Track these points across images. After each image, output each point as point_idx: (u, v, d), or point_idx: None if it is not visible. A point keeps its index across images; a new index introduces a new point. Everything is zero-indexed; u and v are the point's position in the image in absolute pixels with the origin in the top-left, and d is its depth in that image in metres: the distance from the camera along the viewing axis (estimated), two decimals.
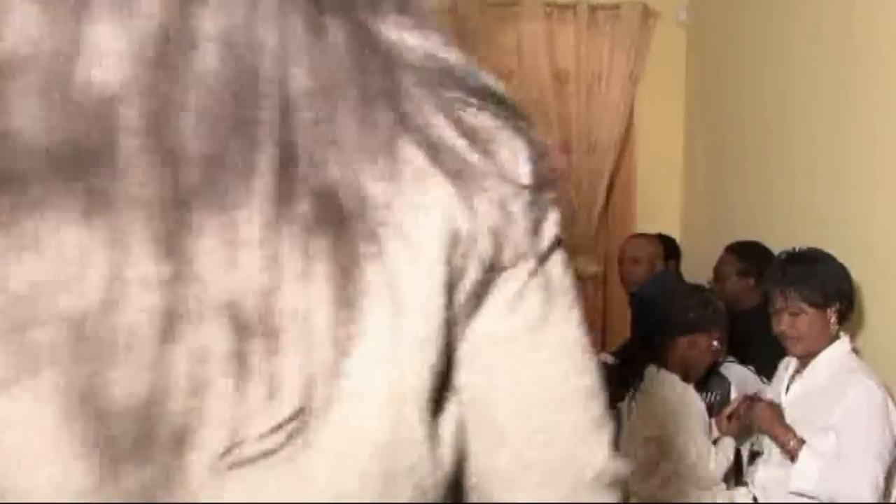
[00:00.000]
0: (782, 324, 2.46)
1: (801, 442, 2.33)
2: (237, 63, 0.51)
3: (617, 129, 4.92)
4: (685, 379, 2.53)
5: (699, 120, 4.87)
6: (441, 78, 0.57)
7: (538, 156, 0.59)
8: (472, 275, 0.56)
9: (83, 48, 0.50)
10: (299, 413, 0.51)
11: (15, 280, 0.49)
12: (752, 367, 2.88)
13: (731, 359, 2.80)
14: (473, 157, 0.56)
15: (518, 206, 0.57)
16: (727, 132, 4.36)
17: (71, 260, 0.49)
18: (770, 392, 2.63)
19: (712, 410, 2.59)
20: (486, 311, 0.58)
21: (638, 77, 4.96)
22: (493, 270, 0.57)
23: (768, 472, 2.48)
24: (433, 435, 0.56)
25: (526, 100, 5.12)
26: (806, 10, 3.47)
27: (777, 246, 3.34)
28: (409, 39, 0.57)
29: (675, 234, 4.73)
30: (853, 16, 3.04)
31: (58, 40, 0.50)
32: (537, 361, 0.60)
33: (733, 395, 2.68)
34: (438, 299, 0.54)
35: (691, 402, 2.44)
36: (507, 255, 0.57)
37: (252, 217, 0.50)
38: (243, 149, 0.50)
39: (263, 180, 0.50)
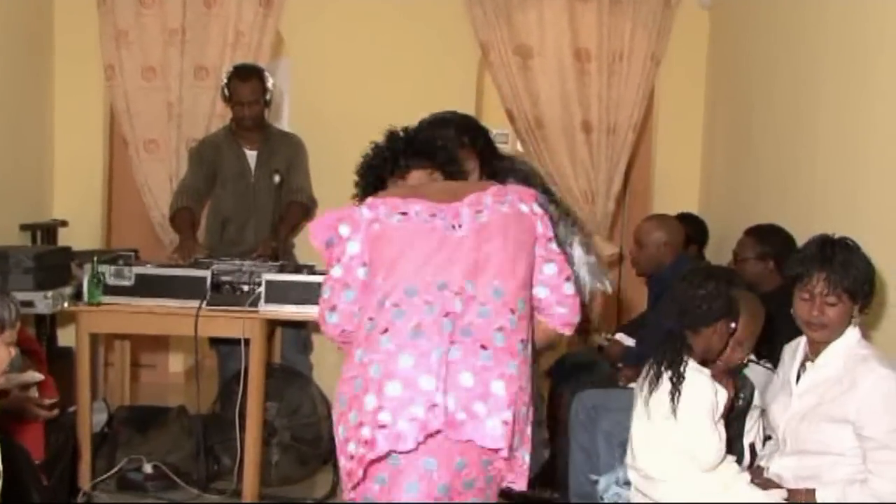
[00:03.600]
0: (815, 309, 2.41)
1: (811, 492, 2.40)
2: None
3: (637, 109, 4.91)
4: (706, 358, 2.56)
5: (720, 102, 4.85)
6: None
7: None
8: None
9: None
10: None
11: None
12: (770, 365, 2.87)
13: (753, 359, 2.79)
14: None
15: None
16: (747, 114, 4.35)
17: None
18: (778, 379, 2.64)
19: (733, 409, 2.61)
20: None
21: (659, 58, 4.95)
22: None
23: (783, 461, 2.50)
24: None
25: (546, 79, 5.13)
26: None
27: (794, 228, 3.35)
28: None
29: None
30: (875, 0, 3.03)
31: None
32: None
33: (756, 398, 2.69)
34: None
35: (703, 389, 2.48)
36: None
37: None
38: None
39: None
